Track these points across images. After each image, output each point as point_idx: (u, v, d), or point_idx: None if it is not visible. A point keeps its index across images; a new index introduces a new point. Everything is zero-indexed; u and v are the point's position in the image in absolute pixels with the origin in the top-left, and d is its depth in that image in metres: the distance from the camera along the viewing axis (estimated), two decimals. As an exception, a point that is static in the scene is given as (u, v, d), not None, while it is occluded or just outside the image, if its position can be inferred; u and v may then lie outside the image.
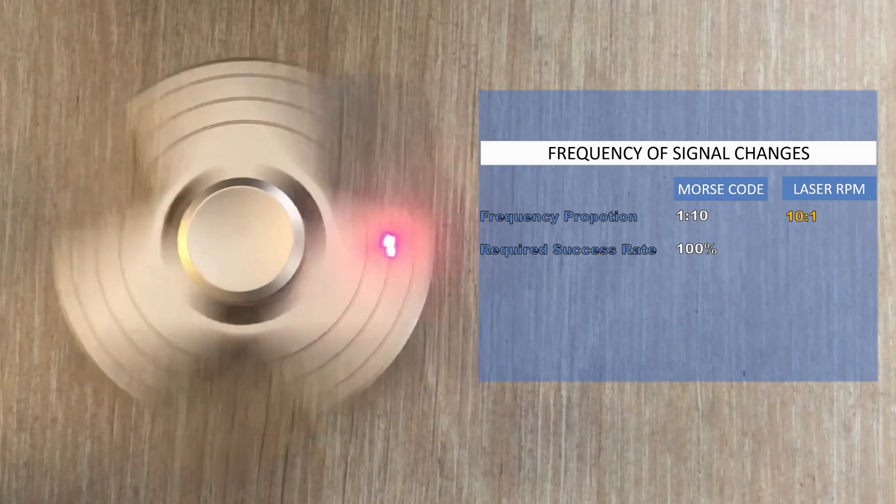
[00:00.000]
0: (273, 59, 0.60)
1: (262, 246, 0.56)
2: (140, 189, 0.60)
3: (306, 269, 0.57)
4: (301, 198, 0.57)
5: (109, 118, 0.61)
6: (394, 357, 0.58)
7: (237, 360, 0.59)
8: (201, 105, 0.58)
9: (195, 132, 0.58)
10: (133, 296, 0.57)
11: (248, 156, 0.57)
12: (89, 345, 0.57)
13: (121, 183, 0.60)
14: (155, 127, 0.58)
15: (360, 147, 0.61)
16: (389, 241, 0.58)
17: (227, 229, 0.56)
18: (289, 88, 0.58)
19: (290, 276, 0.56)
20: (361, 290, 0.57)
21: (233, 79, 0.58)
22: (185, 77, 0.59)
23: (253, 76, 0.58)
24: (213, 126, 0.58)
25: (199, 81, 0.58)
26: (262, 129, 0.58)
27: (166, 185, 0.57)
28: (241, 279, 0.56)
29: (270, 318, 0.57)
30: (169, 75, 0.59)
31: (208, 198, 0.56)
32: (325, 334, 0.57)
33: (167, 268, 0.56)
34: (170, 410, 0.59)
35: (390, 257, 0.59)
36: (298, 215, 0.56)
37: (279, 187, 0.57)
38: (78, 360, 0.59)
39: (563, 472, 0.59)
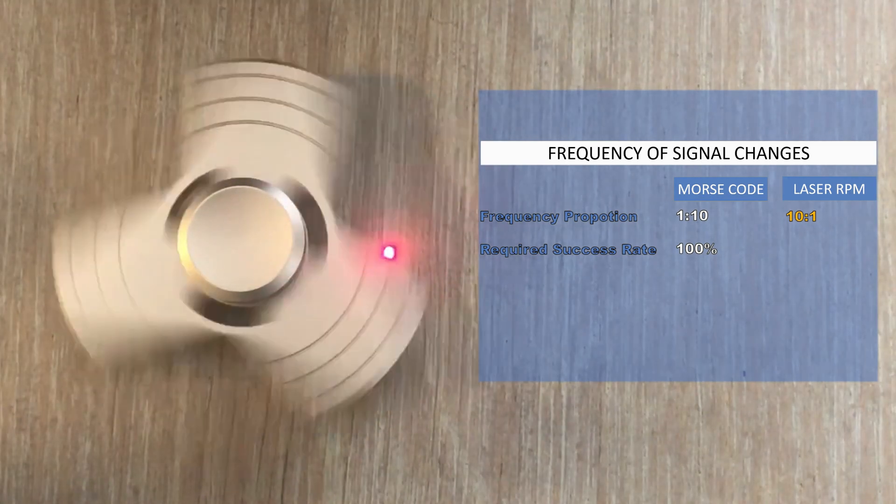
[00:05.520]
0: (310, 69, 0.60)
1: (262, 246, 0.56)
2: (141, 188, 0.60)
3: (307, 270, 0.57)
4: (303, 199, 0.57)
5: (109, 118, 0.61)
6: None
7: (236, 361, 0.59)
8: (241, 99, 0.58)
9: (225, 124, 0.57)
10: (124, 272, 0.57)
11: (268, 159, 0.57)
12: (71, 307, 0.57)
13: (121, 183, 0.60)
14: (199, 105, 0.58)
15: (360, 147, 0.61)
16: (389, 251, 0.58)
17: (227, 229, 0.56)
18: (316, 98, 0.58)
19: (290, 276, 0.56)
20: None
21: (272, 80, 0.58)
22: (238, 67, 0.58)
23: (288, 81, 0.58)
24: (239, 122, 0.57)
25: (244, 76, 0.58)
26: (284, 134, 0.57)
27: (184, 170, 0.57)
28: (241, 279, 0.56)
29: (269, 319, 0.57)
30: (209, 63, 0.60)
31: (208, 198, 0.56)
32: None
33: (166, 255, 0.56)
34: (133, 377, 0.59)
35: (390, 259, 0.59)
36: (298, 215, 0.56)
37: (283, 189, 0.57)
38: (78, 360, 0.59)
39: (563, 472, 0.59)
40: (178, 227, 0.56)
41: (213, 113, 0.58)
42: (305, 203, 0.57)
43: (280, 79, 0.58)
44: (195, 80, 0.58)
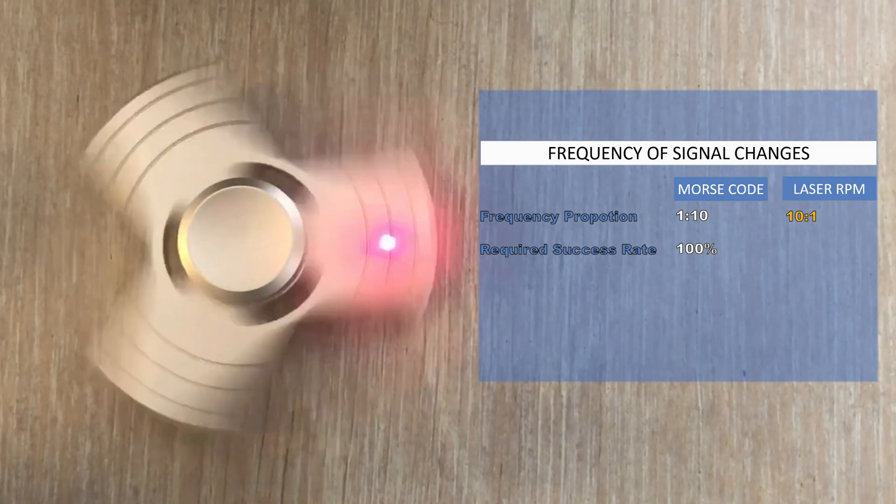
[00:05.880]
0: (183, 70, 0.59)
1: (262, 246, 0.56)
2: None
3: (307, 268, 0.57)
4: (300, 195, 0.57)
5: (109, 118, 0.61)
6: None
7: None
8: (148, 135, 0.57)
9: (152, 164, 0.57)
10: (165, 337, 0.56)
11: (215, 163, 0.57)
12: (146, 398, 0.56)
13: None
14: (112, 175, 0.57)
15: (360, 147, 0.61)
16: (389, 240, 0.58)
17: (227, 229, 0.56)
18: (213, 87, 0.58)
19: (290, 276, 0.56)
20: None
21: (163, 100, 0.57)
22: (119, 117, 0.57)
23: (179, 91, 0.57)
24: (166, 151, 0.57)
25: (135, 114, 0.57)
26: (212, 133, 0.57)
27: (147, 227, 0.57)
28: (242, 279, 0.56)
29: (272, 317, 0.57)
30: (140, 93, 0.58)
31: (208, 198, 0.56)
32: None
33: (186, 298, 0.56)
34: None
35: (391, 252, 0.58)
36: (298, 215, 0.56)
37: (276, 185, 0.57)
38: (78, 359, 0.59)
39: (563, 472, 0.59)
40: (179, 266, 0.56)
41: (143, 153, 0.57)
42: (301, 196, 0.57)
43: (171, 93, 0.57)
44: (105, 141, 0.58)
